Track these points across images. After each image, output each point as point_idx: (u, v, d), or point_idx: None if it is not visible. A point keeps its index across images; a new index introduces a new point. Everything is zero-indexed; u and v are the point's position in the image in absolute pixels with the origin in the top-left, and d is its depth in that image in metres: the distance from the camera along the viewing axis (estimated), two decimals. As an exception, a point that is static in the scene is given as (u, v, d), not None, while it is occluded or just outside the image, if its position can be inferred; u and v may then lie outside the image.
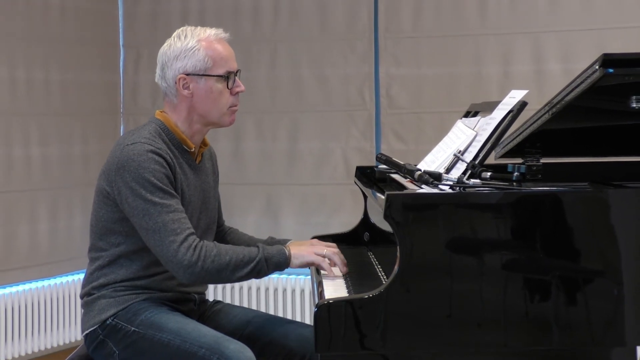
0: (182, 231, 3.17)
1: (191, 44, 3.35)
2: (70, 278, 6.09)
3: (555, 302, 2.80)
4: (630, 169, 3.65)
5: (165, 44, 3.41)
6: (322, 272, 3.36)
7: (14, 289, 5.76)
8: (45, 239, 5.89)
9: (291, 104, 6.22)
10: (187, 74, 3.34)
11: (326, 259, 3.33)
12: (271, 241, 3.64)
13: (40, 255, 5.86)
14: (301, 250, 3.35)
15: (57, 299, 6.00)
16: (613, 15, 5.52)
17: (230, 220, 6.17)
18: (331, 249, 3.38)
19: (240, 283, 6.26)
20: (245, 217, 6.22)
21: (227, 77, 3.37)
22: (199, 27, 3.42)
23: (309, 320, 5.79)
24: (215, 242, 3.29)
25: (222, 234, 3.78)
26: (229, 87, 3.38)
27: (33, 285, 5.89)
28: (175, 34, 3.41)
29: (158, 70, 3.42)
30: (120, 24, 6.55)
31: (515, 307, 2.80)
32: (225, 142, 6.28)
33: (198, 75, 3.34)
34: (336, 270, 3.35)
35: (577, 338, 2.81)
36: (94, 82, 6.20)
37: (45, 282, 5.95)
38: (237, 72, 3.42)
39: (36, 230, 5.84)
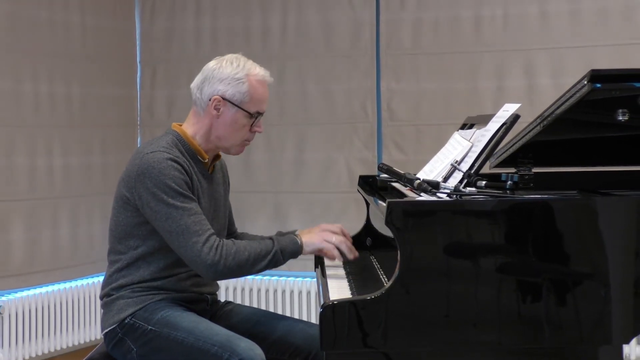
0: (203, 232, 3.19)
1: (240, 75, 3.35)
2: (90, 280, 6.10)
3: (546, 303, 2.80)
4: (616, 177, 3.65)
5: (216, 62, 3.41)
6: (326, 262, 3.39)
7: (37, 290, 5.77)
8: (67, 243, 5.90)
9: (298, 116, 6.23)
10: (224, 99, 3.35)
11: (335, 247, 3.35)
12: (280, 234, 3.65)
13: (62, 259, 5.87)
14: (312, 237, 3.37)
15: (78, 300, 6.00)
16: (600, 34, 5.52)
17: (241, 225, 6.17)
18: (339, 237, 3.39)
19: (251, 284, 6.27)
20: (255, 222, 6.23)
21: (255, 116, 3.40)
22: (250, 61, 3.43)
23: (314, 319, 5.79)
24: (232, 239, 3.30)
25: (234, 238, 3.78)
26: (251, 125, 3.41)
27: (55, 287, 5.89)
28: (228, 57, 3.42)
29: (198, 80, 3.41)
30: (137, 42, 6.56)
31: (509, 308, 2.80)
32: (235, 153, 6.27)
33: (233, 104, 3.36)
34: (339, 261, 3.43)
35: (567, 337, 2.80)
36: (112, 97, 6.20)
37: (67, 284, 5.95)
38: (262, 114, 3.45)
39: (58, 236, 5.84)
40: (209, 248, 3.17)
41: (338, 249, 3.37)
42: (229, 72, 3.36)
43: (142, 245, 3.34)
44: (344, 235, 3.45)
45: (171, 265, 3.34)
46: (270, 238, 3.33)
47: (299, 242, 3.32)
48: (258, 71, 3.41)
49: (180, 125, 3.44)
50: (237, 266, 3.20)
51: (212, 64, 3.41)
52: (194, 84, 3.42)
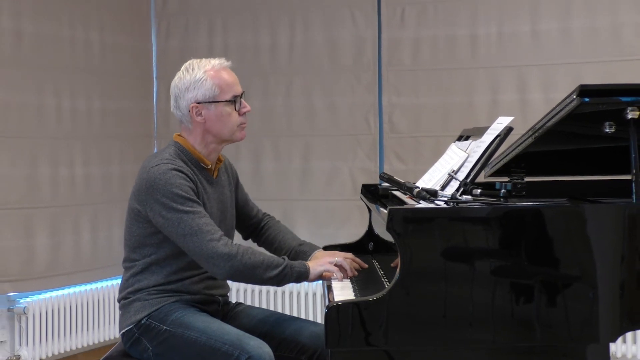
0: (216, 232, 3.20)
1: (199, 75, 3.34)
2: (109, 283, 6.10)
3: (537, 304, 2.80)
4: (604, 186, 3.65)
5: (176, 77, 3.40)
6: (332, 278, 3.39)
7: (60, 292, 5.76)
8: (88, 248, 5.90)
9: (304, 128, 6.22)
10: (199, 103, 3.34)
11: (336, 268, 3.36)
12: (301, 245, 3.69)
13: (83, 263, 5.87)
14: (318, 262, 3.38)
15: (98, 301, 6.00)
16: (588, 51, 5.52)
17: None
18: (342, 255, 3.40)
19: (260, 287, 6.26)
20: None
21: (233, 100, 3.38)
22: (203, 59, 3.41)
23: (320, 319, 5.78)
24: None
25: (262, 227, 3.82)
26: (237, 109, 3.39)
27: (77, 289, 5.88)
28: (183, 67, 3.41)
29: (172, 102, 3.41)
30: (153, 59, 6.56)
31: (503, 308, 2.80)
32: (246, 162, 6.29)
33: (208, 102, 3.34)
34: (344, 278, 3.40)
35: (557, 335, 2.80)
36: (130, 110, 6.21)
37: (88, 286, 5.95)
38: (242, 94, 3.42)
39: (79, 241, 5.84)
40: (225, 244, 3.17)
41: (342, 266, 3.39)
42: (189, 79, 3.35)
43: (155, 253, 3.35)
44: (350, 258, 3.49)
45: (183, 268, 3.35)
46: (282, 257, 3.34)
47: (307, 266, 3.32)
48: (212, 63, 3.39)
49: (180, 135, 3.44)
50: (252, 266, 3.19)
51: (174, 81, 3.40)
52: (172, 108, 3.42)
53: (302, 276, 3.31)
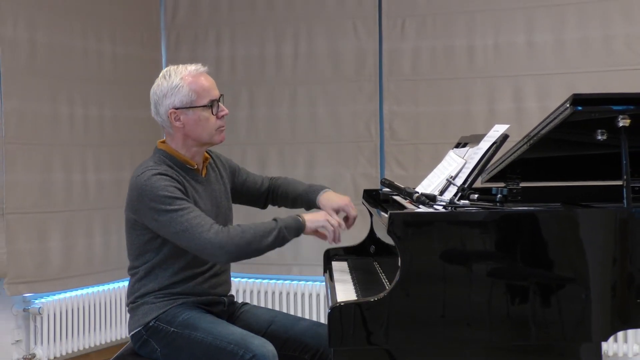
0: (206, 222, 3.16)
1: (175, 82, 3.32)
2: (121, 284, 6.10)
3: (532, 304, 2.80)
4: (596, 191, 3.65)
5: (155, 84, 3.38)
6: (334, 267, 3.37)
7: (73, 293, 5.77)
8: (100, 251, 5.90)
9: (308, 136, 6.23)
10: (177, 109, 3.31)
11: (332, 227, 3.32)
12: (310, 186, 3.72)
13: (95, 265, 5.87)
14: (316, 216, 3.34)
15: (110, 301, 6.00)
16: (581, 61, 5.53)
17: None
18: (337, 222, 3.37)
19: (265, 287, 6.26)
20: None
21: (210, 105, 3.34)
22: (180, 66, 3.39)
23: (323, 319, 5.79)
24: (238, 224, 3.26)
25: (270, 193, 3.83)
26: (214, 113, 3.36)
27: (90, 290, 5.89)
28: (161, 74, 3.39)
29: (152, 108, 3.39)
30: (163, 69, 6.54)
31: (499, 309, 2.80)
32: (252, 168, 6.25)
33: (186, 108, 3.32)
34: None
35: (551, 335, 2.81)
36: (141, 118, 6.21)
37: (100, 288, 5.95)
38: (219, 98, 3.39)
39: (92, 244, 5.85)
40: (215, 232, 3.13)
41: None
42: (166, 85, 3.33)
43: (155, 257, 3.35)
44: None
45: (184, 268, 3.36)
46: (274, 219, 3.28)
47: (301, 219, 3.29)
48: (189, 69, 3.37)
49: (163, 142, 3.44)
50: (246, 243, 3.15)
51: (153, 88, 3.38)
52: (152, 113, 3.40)
53: (299, 231, 3.28)
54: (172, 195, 3.19)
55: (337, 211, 3.52)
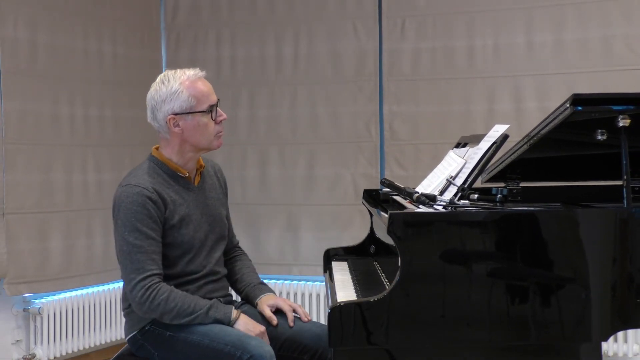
0: (143, 272, 3.18)
1: (175, 87, 3.29)
2: (121, 284, 6.06)
3: (532, 304, 2.80)
4: (596, 191, 3.65)
5: (152, 89, 3.35)
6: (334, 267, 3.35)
7: (73, 293, 5.76)
8: (100, 251, 5.90)
9: (309, 136, 6.23)
10: (176, 114, 3.29)
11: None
12: (260, 284, 3.64)
13: (95, 265, 5.87)
14: (249, 323, 3.28)
15: (110, 301, 6.00)
16: (581, 62, 5.53)
17: (256, 234, 6.23)
18: (261, 330, 3.30)
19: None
20: (269, 232, 6.24)
21: (210, 110, 3.33)
22: (178, 70, 3.35)
23: (323, 320, 5.78)
24: (172, 287, 3.24)
25: (231, 258, 3.74)
26: (213, 118, 3.34)
27: (90, 290, 5.88)
28: (158, 79, 3.35)
29: (149, 113, 3.37)
30: (163, 69, 6.56)
31: (499, 309, 2.80)
32: (253, 168, 6.31)
33: (185, 113, 3.30)
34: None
35: (551, 335, 2.81)
36: (141, 118, 6.12)
37: (100, 288, 5.95)
38: (217, 103, 3.37)
39: (92, 244, 5.84)
40: (141, 287, 3.16)
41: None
42: (165, 91, 3.30)
43: None
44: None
45: (179, 274, 3.34)
46: (209, 306, 3.27)
47: (231, 316, 3.27)
48: (187, 74, 3.33)
49: (158, 149, 3.42)
50: (160, 313, 3.19)
51: (150, 93, 3.36)
52: (148, 118, 3.38)
53: (222, 321, 3.26)
54: (136, 226, 3.21)
55: (272, 308, 3.48)
